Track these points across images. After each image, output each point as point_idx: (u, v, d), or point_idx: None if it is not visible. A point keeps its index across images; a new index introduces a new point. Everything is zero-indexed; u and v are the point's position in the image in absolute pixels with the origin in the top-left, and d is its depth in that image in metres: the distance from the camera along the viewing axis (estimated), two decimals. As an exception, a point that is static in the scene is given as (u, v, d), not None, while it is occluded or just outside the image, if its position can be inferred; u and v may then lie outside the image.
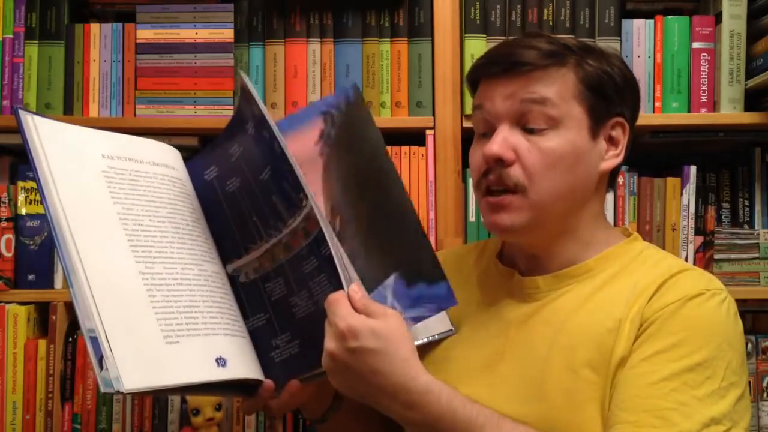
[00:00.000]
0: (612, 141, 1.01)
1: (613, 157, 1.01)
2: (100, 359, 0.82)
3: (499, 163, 0.97)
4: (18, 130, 0.91)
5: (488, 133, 0.99)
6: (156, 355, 0.86)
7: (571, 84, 0.97)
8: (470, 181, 1.47)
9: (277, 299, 0.97)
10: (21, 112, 0.92)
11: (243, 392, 0.97)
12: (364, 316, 0.86)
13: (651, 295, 0.93)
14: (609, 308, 0.94)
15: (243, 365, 0.94)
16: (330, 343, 0.86)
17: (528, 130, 0.97)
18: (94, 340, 0.83)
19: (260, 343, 0.98)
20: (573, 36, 1.44)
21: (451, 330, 1.06)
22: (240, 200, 1.01)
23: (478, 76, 1.03)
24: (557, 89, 0.96)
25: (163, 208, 0.98)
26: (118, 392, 0.81)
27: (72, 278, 0.85)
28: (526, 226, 0.98)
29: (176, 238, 0.96)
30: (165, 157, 1.04)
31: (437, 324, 1.06)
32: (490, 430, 0.87)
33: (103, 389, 0.82)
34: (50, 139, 0.92)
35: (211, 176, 1.04)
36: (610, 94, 0.99)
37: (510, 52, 0.99)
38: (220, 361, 0.91)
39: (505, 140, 0.96)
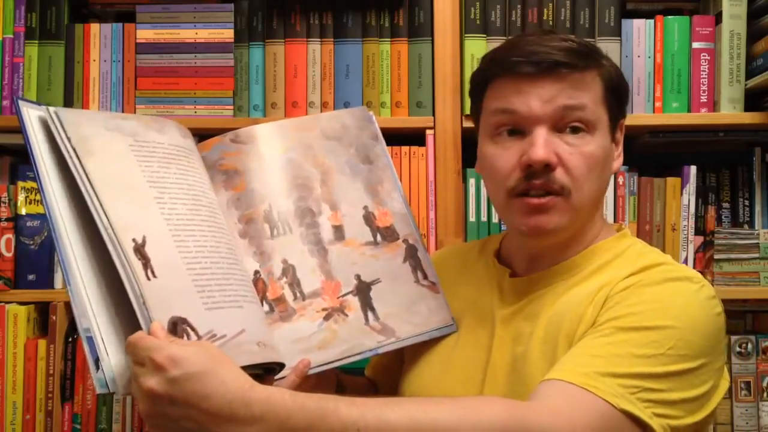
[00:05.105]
0: (616, 141, 1.02)
1: (618, 157, 1.03)
2: (96, 360, 0.80)
3: (544, 167, 0.94)
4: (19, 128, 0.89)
5: (516, 132, 0.97)
6: None
7: (600, 88, 0.97)
8: (470, 181, 1.48)
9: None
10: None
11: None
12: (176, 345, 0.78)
13: (618, 282, 0.93)
14: (580, 299, 0.94)
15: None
16: (148, 381, 0.75)
17: (569, 132, 0.95)
18: (90, 340, 0.81)
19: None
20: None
21: (452, 325, 1.06)
22: None
23: (499, 74, 0.98)
24: (591, 94, 0.96)
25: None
26: (113, 393, 0.80)
27: (68, 275, 0.83)
28: (566, 227, 0.97)
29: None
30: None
31: (437, 318, 1.06)
32: (345, 407, 0.77)
33: (98, 390, 0.81)
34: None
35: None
36: (622, 96, 1.00)
37: (544, 51, 0.94)
38: None
39: (547, 144, 0.94)
